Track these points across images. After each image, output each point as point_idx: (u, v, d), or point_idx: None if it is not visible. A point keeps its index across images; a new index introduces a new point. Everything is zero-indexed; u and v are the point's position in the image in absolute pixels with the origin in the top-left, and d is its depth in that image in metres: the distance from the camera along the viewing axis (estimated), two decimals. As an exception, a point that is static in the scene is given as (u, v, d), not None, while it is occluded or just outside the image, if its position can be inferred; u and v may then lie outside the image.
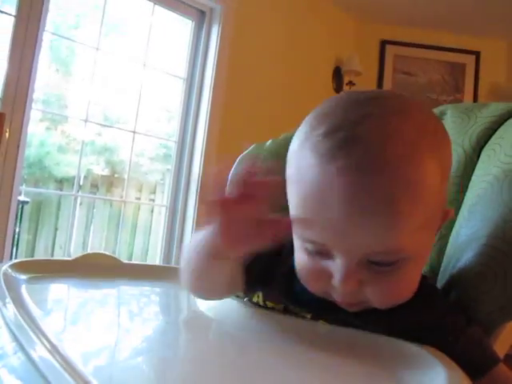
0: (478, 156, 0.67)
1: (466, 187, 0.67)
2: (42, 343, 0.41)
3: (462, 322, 0.53)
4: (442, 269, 0.64)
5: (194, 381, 0.41)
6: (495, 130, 0.67)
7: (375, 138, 0.45)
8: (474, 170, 0.67)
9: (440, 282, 0.62)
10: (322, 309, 0.54)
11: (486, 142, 0.67)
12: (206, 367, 0.44)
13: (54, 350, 0.40)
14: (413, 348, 0.46)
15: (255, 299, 0.62)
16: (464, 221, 0.62)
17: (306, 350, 0.50)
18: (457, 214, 0.67)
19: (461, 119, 0.72)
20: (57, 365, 0.37)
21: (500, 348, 0.55)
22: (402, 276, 0.49)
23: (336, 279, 0.48)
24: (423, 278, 0.54)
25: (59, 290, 0.74)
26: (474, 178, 0.65)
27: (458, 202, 0.67)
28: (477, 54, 3.61)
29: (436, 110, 0.78)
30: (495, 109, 0.70)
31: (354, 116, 0.47)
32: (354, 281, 0.48)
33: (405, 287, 0.50)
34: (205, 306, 0.66)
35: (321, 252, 0.49)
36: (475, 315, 0.54)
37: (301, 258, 0.52)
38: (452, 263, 0.60)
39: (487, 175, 0.60)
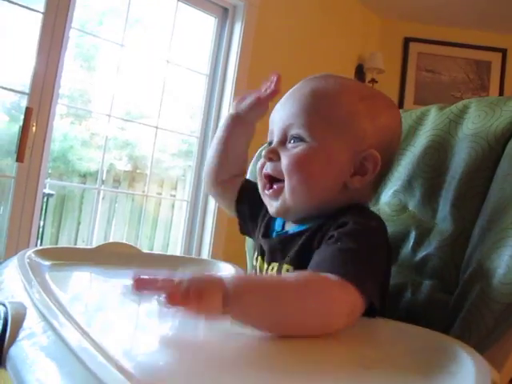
0: (503, 150, 0.66)
1: (490, 181, 0.66)
2: (71, 323, 0.42)
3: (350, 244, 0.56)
4: (465, 261, 0.64)
5: (218, 365, 0.42)
6: (521, 123, 0.66)
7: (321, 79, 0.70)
8: (498, 163, 0.66)
9: (463, 274, 0.62)
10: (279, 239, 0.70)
11: (511, 136, 0.66)
12: (228, 356, 0.45)
13: (81, 329, 0.41)
14: (439, 338, 0.46)
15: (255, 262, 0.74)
16: (488, 214, 0.62)
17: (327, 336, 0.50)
18: (479, 208, 0.66)
19: (485, 113, 0.72)
20: (86, 343, 0.38)
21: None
22: (300, 151, 0.65)
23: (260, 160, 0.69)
24: (362, 206, 0.68)
25: (81, 277, 0.76)
26: (498, 171, 0.65)
27: (482, 196, 0.66)
28: (503, 52, 3.54)
29: (459, 104, 0.78)
30: (521, 102, 0.69)
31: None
32: (274, 149, 0.67)
33: (299, 160, 0.64)
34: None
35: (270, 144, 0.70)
36: (497, 306, 0.54)
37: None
38: (476, 255, 0.60)
39: (512, 168, 0.60)
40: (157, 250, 3.00)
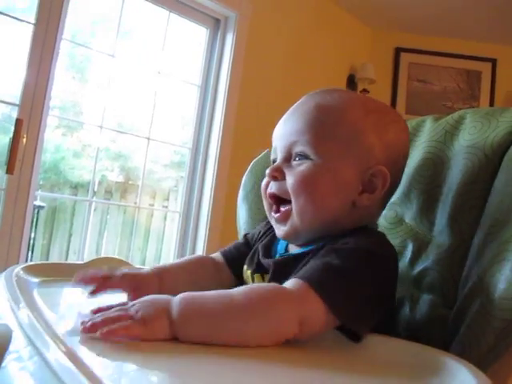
0: (500, 161, 0.66)
1: (488, 193, 0.65)
2: (58, 346, 0.41)
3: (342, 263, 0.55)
4: (464, 275, 0.63)
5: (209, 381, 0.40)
6: (518, 134, 0.65)
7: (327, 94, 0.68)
8: (495, 175, 0.65)
9: (462, 289, 0.60)
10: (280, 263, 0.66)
11: (508, 147, 0.65)
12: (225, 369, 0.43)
13: (69, 352, 0.40)
14: (435, 353, 0.44)
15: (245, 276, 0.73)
16: (487, 226, 0.61)
17: (324, 355, 0.49)
18: (477, 220, 0.65)
19: (481, 124, 0.71)
20: (73, 368, 0.36)
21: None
22: (305, 169, 0.63)
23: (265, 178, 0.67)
24: (370, 229, 0.66)
25: (71, 294, 0.73)
26: (496, 183, 0.64)
27: (479, 208, 0.65)
28: (493, 62, 3.57)
29: (455, 115, 0.77)
30: (517, 113, 0.68)
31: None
32: (278, 167, 0.65)
33: (305, 179, 0.62)
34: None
35: (274, 162, 0.68)
36: (498, 323, 0.53)
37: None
38: (475, 269, 0.59)
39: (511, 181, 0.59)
40: (149, 262, 2.97)
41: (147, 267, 0.70)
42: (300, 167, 0.63)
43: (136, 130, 2.65)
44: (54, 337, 0.43)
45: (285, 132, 0.67)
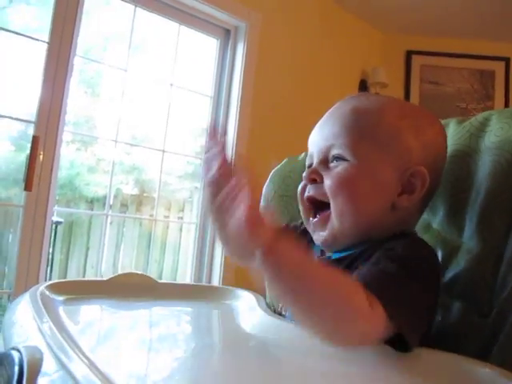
0: (530, 162, 0.64)
1: (518, 196, 0.63)
2: (82, 361, 0.40)
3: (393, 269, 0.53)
4: (499, 280, 0.61)
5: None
6: (547, 135, 0.63)
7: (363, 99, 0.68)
8: (525, 177, 0.63)
9: (498, 295, 0.59)
10: None
11: (537, 148, 0.63)
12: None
13: (93, 367, 0.39)
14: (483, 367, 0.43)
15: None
16: (520, 230, 0.59)
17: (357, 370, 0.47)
18: (509, 224, 0.63)
19: (508, 125, 0.69)
20: (97, 381, 0.35)
21: None
22: (343, 170, 0.62)
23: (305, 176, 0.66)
24: (412, 234, 0.66)
25: (95, 311, 0.73)
26: (527, 185, 0.62)
27: (509, 212, 0.63)
28: (506, 60, 3.53)
29: (479, 117, 0.75)
30: (544, 112, 0.66)
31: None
32: (315, 170, 0.65)
33: (344, 180, 0.62)
34: (245, 325, 0.64)
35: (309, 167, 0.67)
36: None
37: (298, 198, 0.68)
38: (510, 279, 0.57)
39: (543, 182, 0.57)
40: (166, 274, 2.97)
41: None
42: (337, 169, 0.63)
43: (149, 142, 2.66)
44: (84, 358, 0.42)
45: (321, 137, 0.67)
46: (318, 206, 0.65)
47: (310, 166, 0.68)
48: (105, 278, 0.77)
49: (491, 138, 0.70)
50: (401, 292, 0.51)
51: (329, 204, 0.63)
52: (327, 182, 0.63)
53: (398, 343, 0.50)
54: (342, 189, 0.62)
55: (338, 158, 0.63)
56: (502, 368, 0.46)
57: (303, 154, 0.98)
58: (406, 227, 0.65)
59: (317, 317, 0.48)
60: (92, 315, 0.71)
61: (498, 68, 3.56)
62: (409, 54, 3.52)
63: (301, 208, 0.68)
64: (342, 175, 0.62)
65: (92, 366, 0.40)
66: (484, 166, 0.69)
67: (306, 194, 0.66)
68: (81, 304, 0.70)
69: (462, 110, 3.49)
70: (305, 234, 0.72)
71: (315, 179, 0.65)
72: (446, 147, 0.70)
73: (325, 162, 0.65)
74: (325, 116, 0.69)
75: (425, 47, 3.49)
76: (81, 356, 0.41)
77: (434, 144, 0.66)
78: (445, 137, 0.70)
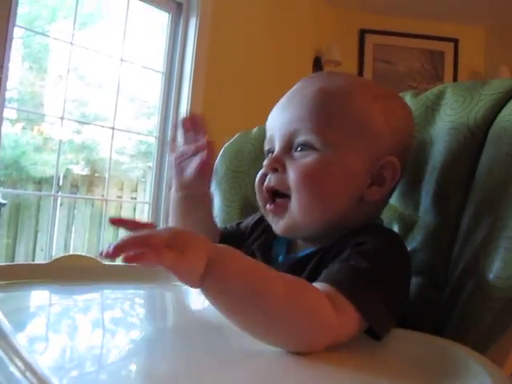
0: (485, 135, 0.63)
1: (474, 169, 0.63)
2: (14, 363, 0.35)
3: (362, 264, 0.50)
4: (454, 255, 0.61)
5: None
6: (502, 107, 0.63)
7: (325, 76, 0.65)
8: (481, 150, 0.63)
9: (453, 270, 0.58)
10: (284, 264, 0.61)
11: (493, 120, 0.63)
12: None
13: (27, 369, 0.34)
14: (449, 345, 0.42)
15: None
16: (476, 203, 0.58)
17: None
18: (465, 197, 0.63)
19: (463, 98, 0.68)
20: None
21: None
22: (311, 161, 0.57)
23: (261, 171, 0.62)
24: (383, 226, 0.63)
25: (32, 299, 0.67)
26: (483, 158, 0.62)
27: (467, 185, 0.63)
28: (455, 42, 3.60)
29: (434, 90, 0.75)
30: (499, 85, 0.66)
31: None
32: (278, 158, 0.59)
33: (311, 172, 0.57)
34: (196, 307, 0.61)
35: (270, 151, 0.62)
36: (495, 304, 0.51)
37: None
38: (466, 249, 0.57)
39: (500, 154, 0.57)
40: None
41: None
42: (305, 159, 0.57)
43: (100, 120, 2.57)
44: (11, 351, 0.37)
45: (284, 120, 0.60)
46: (277, 195, 0.60)
47: (270, 151, 0.62)
48: (44, 262, 0.72)
49: (447, 112, 0.69)
50: (373, 290, 0.49)
51: (288, 195, 0.59)
52: (291, 175, 0.57)
53: (371, 332, 0.48)
54: (308, 183, 0.57)
55: (305, 145, 0.58)
56: (456, 341, 0.46)
57: (256, 129, 0.96)
58: (374, 218, 0.63)
59: (274, 335, 0.44)
60: (27, 303, 0.65)
61: (448, 49, 3.63)
62: (362, 33, 3.54)
63: (258, 197, 0.63)
64: (310, 167, 0.57)
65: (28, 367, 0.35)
66: (440, 140, 0.68)
67: (266, 183, 0.61)
68: (17, 291, 0.64)
69: (413, 89, 3.53)
70: (261, 230, 0.69)
71: (277, 169, 0.59)
72: (413, 133, 0.66)
73: (288, 149, 0.59)
74: (286, 96, 0.63)
75: (378, 26, 3.51)
76: (14, 356, 0.36)
77: (405, 129, 0.62)
78: (413, 121, 0.66)
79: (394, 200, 0.73)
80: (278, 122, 0.61)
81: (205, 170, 0.69)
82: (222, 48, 2.57)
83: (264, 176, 0.61)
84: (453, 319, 0.56)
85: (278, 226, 0.61)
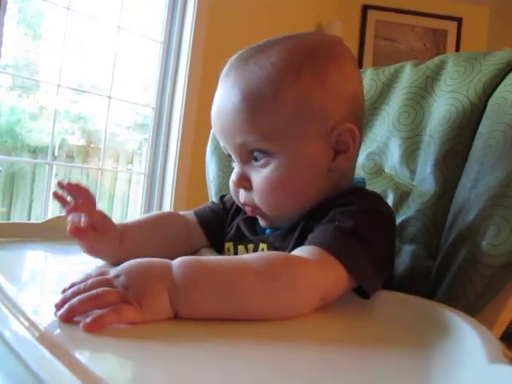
0: (485, 106, 0.63)
1: (471, 139, 0.63)
2: (18, 320, 0.35)
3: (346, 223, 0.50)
4: (448, 224, 0.60)
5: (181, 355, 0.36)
6: (503, 78, 0.62)
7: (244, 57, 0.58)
8: (479, 120, 0.62)
9: (446, 238, 0.58)
10: (270, 236, 0.60)
11: (493, 91, 0.62)
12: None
13: (32, 326, 0.34)
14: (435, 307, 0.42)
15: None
16: (473, 172, 0.58)
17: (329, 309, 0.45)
18: (462, 167, 0.63)
19: (464, 68, 0.68)
20: (31, 339, 0.31)
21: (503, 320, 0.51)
22: (275, 173, 0.55)
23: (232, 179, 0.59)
24: (364, 189, 0.61)
25: (28, 256, 0.68)
26: (481, 128, 0.61)
27: (463, 154, 0.63)
28: (459, 21, 3.56)
29: (435, 60, 0.74)
30: (501, 56, 0.65)
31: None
32: (243, 175, 0.58)
33: (274, 183, 0.55)
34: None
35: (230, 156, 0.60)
36: (487, 270, 0.51)
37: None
38: (461, 217, 0.56)
39: (498, 124, 0.56)
40: (115, 226, 2.90)
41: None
42: (266, 170, 0.56)
43: (96, 89, 2.53)
44: (9, 303, 0.37)
45: (226, 132, 0.57)
46: None
47: (230, 156, 0.61)
48: (38, 221, 0.72)
49: (447, 81, 0.68)
50: (359, 248, 0.49)
51: None
52: (258, 186, 0.56)
53: (360, 291, 0.49)
54: (272, 193, 0.56)
55: (259, 152, 0.56)
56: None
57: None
58: (350, 178, 0.61)
59: (262, 316, 0.43)
60: (24, 261, 0.65)
61: (451, 28, 3.59)
62: (365, 9, 3.49)
63: (234, 197, 0.63)
64: (275, 179, 0.55)
65: (31, 325, 0.35)
66: (439, 109, 0.67)
67: (240, 199, 0.60)
68: (11, 249, 0.65)
69: (414, 67, 3.51)
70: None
71: (246, 187, 0.58)
72: (360, 76, 0.61)
73: (247, 160, 0.57)
74: (215, 106, 0.59)
75: (381, 2, 3.46)
76: (15, 312, 0.36)
77: (346, 84, 0.57)
78: (358, 74, 0.61)
79: (389, 169, 0.73)
80: (222, 132, 0.58)
81: (80, 235, 0.57)
82: (222, 18, 2.52)
83: (237, 190, 0.60)
84: (444, 285, 0.56)
85: (260, 221, 0.61)
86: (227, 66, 0.60)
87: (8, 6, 1.85)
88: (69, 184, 0.59)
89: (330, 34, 0.62)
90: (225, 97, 0.57)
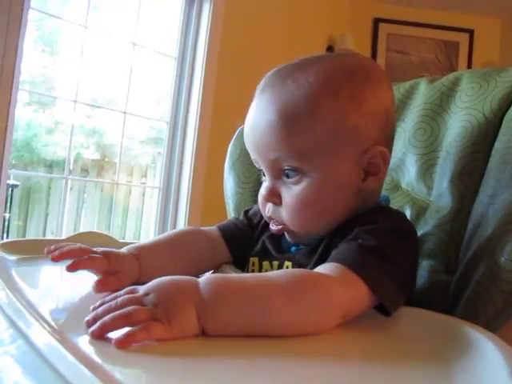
0: (501, 122, 0.63)
1: (488, 155, 0.63)
2: (42, 326, 0.37)
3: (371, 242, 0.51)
4: (466, 238, 0.61)
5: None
6: (518, 94, 0.63)
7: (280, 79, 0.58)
8: (495, 136, 0.63)
9: (465, 253, 0.59)
10: (296, 254, 0.61)
11: (508, 107, 0.63)
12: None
13: (55, 333, 0.36)
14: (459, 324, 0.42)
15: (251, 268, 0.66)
16: (490, 188, 0.59)
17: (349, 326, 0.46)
18: (478, 183, 0.63)
19: (479, 85, 0.68)
20: (61, 349, 0.33)
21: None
22: (305, 190, 0.56)
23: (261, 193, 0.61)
24: (389, 207, 0.62)
25: (51, 272, 0.69)
26: (497, 144, 0.62)
27: (479, 170, 0.63)
28: (470, 32, 3.56)
29: (450, 77, 0.74)
30: (516, 72, 0.66)
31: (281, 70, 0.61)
32: (274, 190, 0.59)
33: (305, 201, 0.56)
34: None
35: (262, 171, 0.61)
36: (506, 286, 0.51)
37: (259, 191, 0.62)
38: (479, 232, 0.57)
39: (515, 140, 0.57)
40: (128, 239, 2.92)
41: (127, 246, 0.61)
42: (297, 187, 0.57)
43: (111, 104, 2.57)
44: (36, 315, 0.39)
45: (260, 147, 0.58)
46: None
47: (261, 170, 0.62)
48: (63, 237, 0.73)
49: (462, 98, 0.69)
50: (382, 266, 0.49)
51: None
52: (288, 203, 0.57)
53: (381, 308, 0.49)
54: (302, 210, 0.57)
55: (291, 170, 0.57)
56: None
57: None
58: (376, 198, 0.62)
59: (288, 333, 0.44)
60: (46, 275, 0.67)
61: (463, 39, 3.59)
62: (376, 22, 3.51)
63: (262, 211, 0.64)
64: (305, 196, 0.56)
65: (54, 332, 0.36)
66: (454, 126, 0.68)
67: (267, 213, 0.61)
68: (34, 265, 0.66)
69: (427, 79, 3.51)
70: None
71: (276, 202, 0.59)
72: (393, 97, 0.62)
73: (278, 175, 0.58)
74: (251, 119, 0.60)
75: (392, 15, 3.48)
76: (31, 312, 0.38)
77: (380, 106, 0.57)
78: (392, 95, 0.61)
79: (406, 185, 0.73)
80: (255, 147, 0.59)
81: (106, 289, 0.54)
82: (235, 34, 2.56)
83: (265, 203, 0.61)
84: (463, 301, 0.57)
85: (287, 236, 0.62)
86: (263, 82, 0.61)
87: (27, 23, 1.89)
88: (60, 254, 0.53)
89: (365, 56, 0.62)
90: (260, 113, 0.58)
